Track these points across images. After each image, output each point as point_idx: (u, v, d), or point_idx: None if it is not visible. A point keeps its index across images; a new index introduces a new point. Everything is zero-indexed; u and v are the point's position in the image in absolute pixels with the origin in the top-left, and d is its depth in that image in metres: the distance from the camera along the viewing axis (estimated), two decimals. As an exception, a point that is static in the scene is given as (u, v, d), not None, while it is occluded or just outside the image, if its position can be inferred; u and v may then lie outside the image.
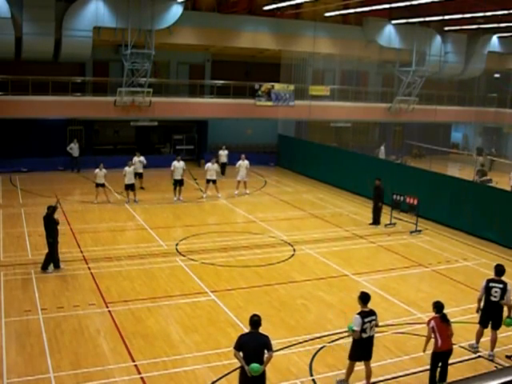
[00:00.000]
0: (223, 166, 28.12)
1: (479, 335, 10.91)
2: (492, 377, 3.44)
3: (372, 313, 9.40)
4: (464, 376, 9.00)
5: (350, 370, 9.55)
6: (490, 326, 10.79)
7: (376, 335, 11.42)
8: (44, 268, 14.28)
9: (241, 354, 8.12)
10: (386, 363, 10.44)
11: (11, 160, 26.94)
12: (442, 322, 9.38)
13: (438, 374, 9.55)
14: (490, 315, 10.66)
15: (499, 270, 10.79)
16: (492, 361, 10.71)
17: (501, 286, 10.54)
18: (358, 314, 9.31)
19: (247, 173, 24.38)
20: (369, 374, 9.56)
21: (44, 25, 25.35)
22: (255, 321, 8.33)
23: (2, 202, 21.41)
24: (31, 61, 27.06)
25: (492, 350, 10.78)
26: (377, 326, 9.57)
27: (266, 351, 8.20)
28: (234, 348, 8.27)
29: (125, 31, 26.88)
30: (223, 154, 28.33)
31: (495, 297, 10.54)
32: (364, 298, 9.50)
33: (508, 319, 10.45)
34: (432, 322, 9.37)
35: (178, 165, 22.39)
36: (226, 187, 25.45)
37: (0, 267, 14.48)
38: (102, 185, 21.68)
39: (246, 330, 11.38)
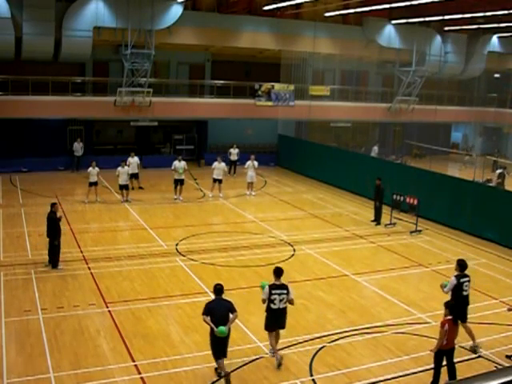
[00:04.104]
0: (234, 165, 28.22)
1: (469, 332, 10.96)
2: (492, 377, 3.44)
3: (283, 287, 9.90)
4: (464, 376, 9.01)
5: (271, 340, 10.16)
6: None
7: (376, 335, 11.50)
8: (54, 266, 14.36)
9: (209, 318, 9.26)
10: (386, 363, 10.43)
11: (11, 160, 26.94)
12: (453, 323, 9.41)
13: (447, 373, 9.58)
14: (463, 309, 10.80)
15: (464, 264, 11.08)
16: (475, 352, 10.82)
17: (468, 279, 10.95)
18: (269, 285, 9.91)
19: (254, 173, 24.16)
20: (277, 340, 10.19)
21: (44, 25, 25.35)
22: (218, 289, 9.59)
23: (2, 202, 21.41)
24: (31, 61, 27.05)
25: (474, 340, 10.96)
26: (290, 302, 10.03)
27: (230, 314, 9.34)
28: (203, 314, 9.39)
29: (125, 31, 26.87)
30: (234, 152, 28.47)
31: (466, 290, 10.87)
32: (276, 272, 10.10)
33: None
34: (446, 325, 9.33)
35: (179, 164, 22.41)
36: (235, 187, 25.49)
37: (0, 267, 14.48)
38: (95, 183, 21.68)
39: (246, 329, 11.45)
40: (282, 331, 10.64)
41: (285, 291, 9.90)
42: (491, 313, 12.68)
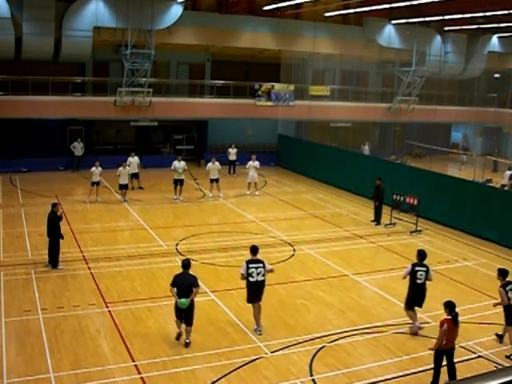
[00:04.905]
0: (233, 165, 28.25)
1: (414, 316, 11.78)
2: (492, 377, 3.44)
3: (259, 261, 11.05)
4: (464, 376, 9.01)
5: (255, 312, 11.29)
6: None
7: (376, 335, 11.51)
8: (55, 266, 14.38)
9: (175, 289, 10.47)
10: (386, 363, 10.43)
11: (11, 160, 26.94)
12: (453, 324, 9.44)
13: (447, 373, 9.62)
14: (417, 296, 11.66)
15: (422, 255, 11.89)
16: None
17: (424, 269, 11.67)
18: (246, 261, 11.06)
19: (255, 173, 24.08)
20: (258, 313, 11.23)
21: (44, 25, 25.34)
22: (185, 264, 10.76)
23: (2, 202, 21.40)
24: (31, 61, 27.06)
25: (414, 322, 11.72)
26: (270, 271, 11.20)
27: (193, 288, 10.45)
28: (171, 285, 10.60)
29: (125, 31, 26.86)
30: (232, 152, 28.53)
31: (420, 279, 11.61)
32: (252, 249, 11.25)
33: None
34: (445, 325, 9.36)
35: (179, 165, 22.42)
36: (235, 187, 25.48)
37: (0, 267, 14.48)
38: (98, 183, 21.69)
39: (246, 329, 11.47)
40: (280, 329, 10.69)
41: (261, 265, 10.99)
42: (491, 313, 12.66)
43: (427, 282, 11.71)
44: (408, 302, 11.76)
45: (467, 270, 15.94)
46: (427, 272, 11.63)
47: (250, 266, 10.95)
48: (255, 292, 11.09)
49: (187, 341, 10.69)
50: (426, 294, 11.70)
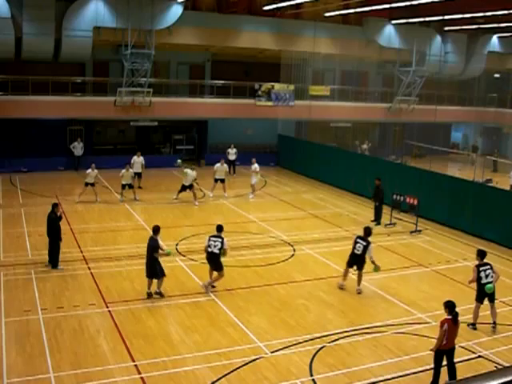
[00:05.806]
0: (232, 164, 28.26)
1: (346, 274, 13.88)
2: (492, 377, 3.44)
3: (219, 237, 13.14)
4: (464, 376, 9.01)
5: (210, 273, 13.40)
6: (355, 268, 13.70)
7: (376, 335, 11.53)
8: (55, 266, 14.38)
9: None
10: (386, 363, 10.43)
11: (11, 160, 26.94)
12: (453, 323, 9.45)
13: (447, 373, 9.62)
14: (354, 261, 13.66)
15: (367, 231, 13.73)
16: (360, 293, 13.55)
17: (364, 243, 13.49)
18: (210, 235, 13.29)
19: (254, 177, 24.07)
20: (215, 279, 13.32)
21: (44, 25, 25.35)
22: (155, 229, 12.80)
23: (2, 202, 21.40)
24: (31, 61, 27.06)
25: (359, 284, 13.65)
26: (224, 252, 13.08)
27: (153, 252, 12.56)
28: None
29: (125, 31, 26.86)
30: (232, 152, 28.55)
31: (358, 251, 13.53)
32: (218, 227, 13.40)
33: (374, 267, 13.48)
34: (446, 325, 9.36)
35: (190, 172, 22.13)
36: (235, 187, 25.45)
37: (0, 267, 14.48)
38: (92, 184, 21.65)
39: (246, 329, 11.47)
40: (280, 329, 10.70)
41: (219, 239, 13.06)
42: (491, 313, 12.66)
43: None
44: (348, 261, 13.74)
45: (467, 270, 15.86)
46: (366, 247, 13.34)
47: (211, 239, 13.15)
48: (210, 260, 13.19)
49: (157, 291, 12.84)
50: (363, 263, 13.51)
